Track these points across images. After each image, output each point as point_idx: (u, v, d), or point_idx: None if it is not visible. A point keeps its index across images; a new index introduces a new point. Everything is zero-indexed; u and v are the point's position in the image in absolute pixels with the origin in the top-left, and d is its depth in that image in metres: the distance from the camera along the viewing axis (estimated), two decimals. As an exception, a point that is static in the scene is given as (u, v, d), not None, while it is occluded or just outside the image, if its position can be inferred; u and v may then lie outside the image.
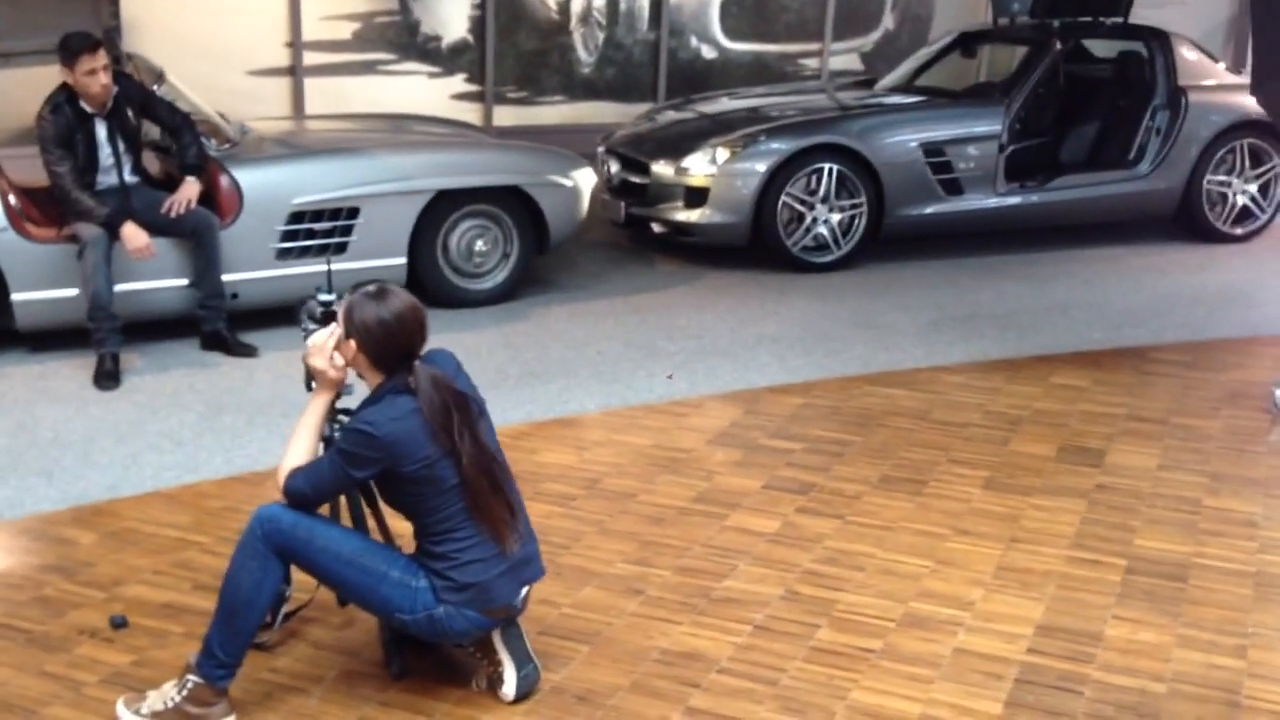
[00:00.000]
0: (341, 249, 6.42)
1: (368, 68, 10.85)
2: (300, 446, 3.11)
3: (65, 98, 5.79)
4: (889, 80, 9.20)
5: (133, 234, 5.71)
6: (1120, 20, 8.58)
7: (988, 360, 6.07)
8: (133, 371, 5.75)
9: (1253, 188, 8.46)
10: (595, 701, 3.27)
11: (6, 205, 5.76)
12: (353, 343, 3.07)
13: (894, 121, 7.84)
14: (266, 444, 4.99)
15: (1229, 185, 8.43)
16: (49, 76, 5.99)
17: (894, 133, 7.71)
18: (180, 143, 6.11)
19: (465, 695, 3.29)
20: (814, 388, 5.66)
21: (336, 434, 3.28)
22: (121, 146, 5.97)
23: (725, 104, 8.71)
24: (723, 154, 7.53)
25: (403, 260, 6.58)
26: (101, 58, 5.73)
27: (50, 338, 5.99)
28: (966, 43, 9.29)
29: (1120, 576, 3.94)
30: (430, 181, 6.56)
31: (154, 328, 6.12)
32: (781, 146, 7.46)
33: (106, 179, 5.95)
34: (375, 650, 3.49)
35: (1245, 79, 8.68)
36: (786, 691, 3.31)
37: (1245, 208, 8.48)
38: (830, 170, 7.51)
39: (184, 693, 3.09)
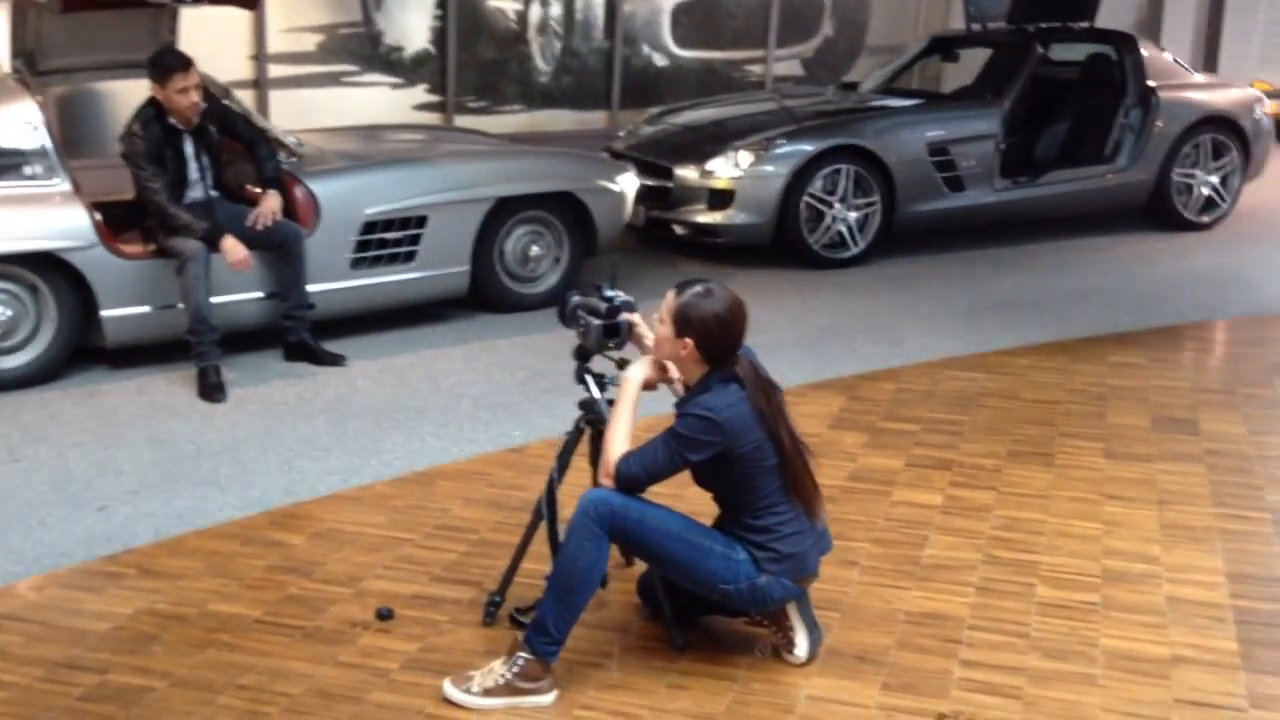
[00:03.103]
0: (410, 258, 6.54)
1: (331, 79, 10.86)
2: (622, 434, 3.31)
3: (154, 113, 5.82)
4: (870, 83, 9.63)
5: (233, 247, 5.77)
6: (1087, 24, 9.14)
7: (1040, 343, 6.48)
8: (230, 384, 5.78)
9: (1215, 179, 9.09)
10: (874, 660, 3.53)
11: (94, 222, 5.76)
12: (688, 341, 3.27)
13: (904, 123, 8.25)
14: (409, 446, 5.12)
15: (1193, 177, 9.04)
16: (110, 91, 6.00)
17: (905, 134, 8.12)
18: (257, 156, 6.17)
19: (754, 662, 3.52)
20: (899, 374, 5.99)
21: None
22: (205, 161, 6.01)
23: (708, 114, 8.97)
24: (746, 157, 7.83)
25: (466, 268, 6.72)
26: (194, 76, 5.78)
27: (123, 353, 5.99)
28: (941, 47, 9.77)
29: (1272, 528, 4.35)
30: (493, 189, 6.71)
31: (233, 340, 6.14)
32: (805, 148, 7.80)
33: (193, 194, 5.99)
34: (643, 627, 3.70)
35: (1204, 78, 9.37)
36: (1041, 643, 3.62)
37: (1209, 198, 9.10)
38: (848, 171, 7.87)
39: (515, 669, 3.26)
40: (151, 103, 5.84)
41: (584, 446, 3.73)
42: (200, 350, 5.73)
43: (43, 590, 3.92)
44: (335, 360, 6.13)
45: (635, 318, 3.58)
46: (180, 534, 4.32)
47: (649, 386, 3.42)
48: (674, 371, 3.42)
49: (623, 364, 3.58)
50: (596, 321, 3.51)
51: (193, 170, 5.97)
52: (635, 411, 3.37)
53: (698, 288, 3.30)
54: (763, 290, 7.51)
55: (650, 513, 3.27)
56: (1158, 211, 9.08)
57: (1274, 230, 9.22)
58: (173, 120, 5.84)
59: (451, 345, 6.47)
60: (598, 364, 3.71)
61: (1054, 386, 5.80)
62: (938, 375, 5.96)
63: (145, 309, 5.90)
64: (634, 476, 3.26)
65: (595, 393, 3.58)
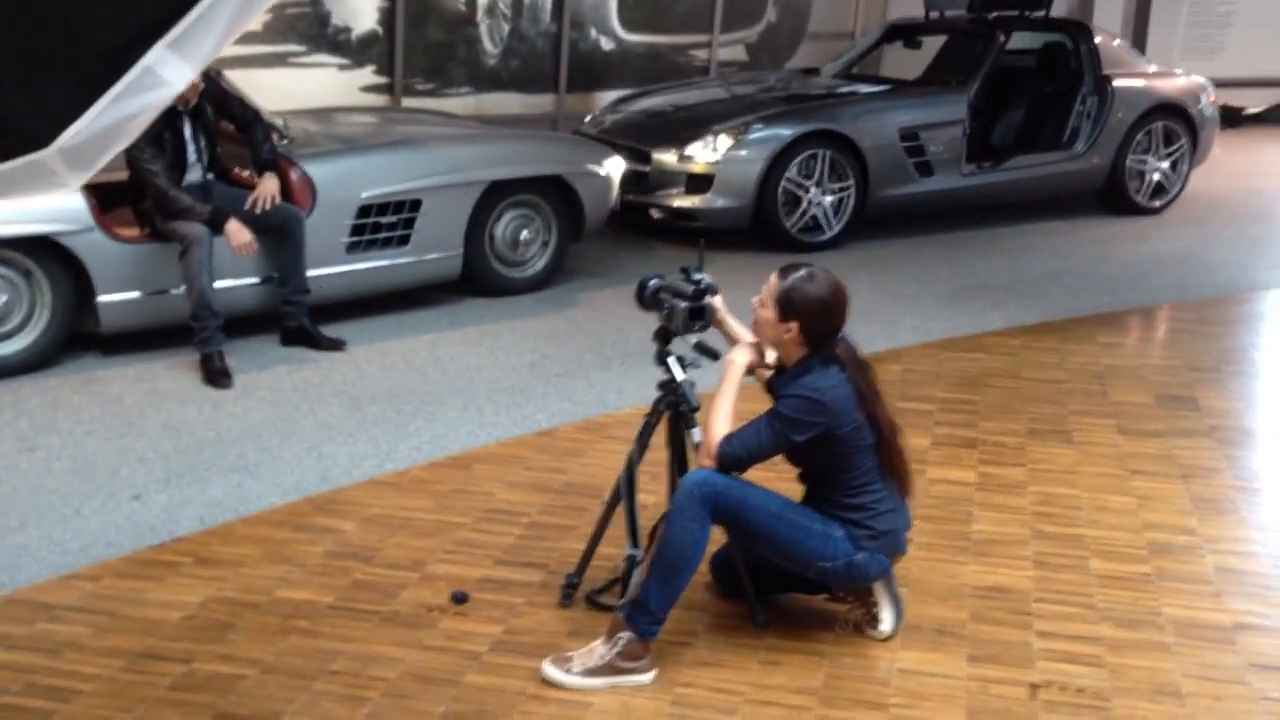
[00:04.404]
0: (404, 241, 6.49)
1: (278, 59, 10.69)
2: (724, 416, 3.33)
3: (153, 94, 5.68)
4: (832, 69, 9.74)
5: (237, 230, 5.67)
6: (1043, 13, 9.34)
7: (1027, 325, 6.63)
8: (233, 370, 5.68)
9: (1165, 165, 9.35)
10: (954, 632, 3.61)
11: (91, 204, 5.62)
12: (793, 325, 3.30)
13: (878, 109, 8.37)
14: (434, 430, 5.09)
15: (1145, 163, 9.29)
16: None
17: (878, 119, 8.23)
18: (252, 139, 6.07)
19: (837, 637, 3.58)
20: (901, 355, 6.10)
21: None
22: (202, 143, 5.90)
23: (664, 99, 9.02)
24: (725, 141, 7.88)
25: (459, 251, 6.68)
26: (195, 54, 5.65)
27: (115, 339, 5.86)
28: (899, 34, 9.90)
29: (1295, 499, 4.53)
30: (485, 172, 6.68)
31: (227, 326, 6.01)
32: (783, 133, 7.87)
33: (190, 176, 5.87)
34: (719, 606, 3.73)
35: (1155, 67, 9.62)
36: (1108, 613, 3.73)
37: (1159, 183, 9.37)
38: (824, 155, 7.96)
39: (617, 649, 3.28)
40: (150, 83, 5.69)
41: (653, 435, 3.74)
42: (204, 336, 5.63)
43: (100, 581, 3.84)
44: (335, 345, 6.06)
45: (717, 301, 3.61)
46: (226, 521, 4.26)
47: (749, 370, 3.45)
48: (770, 356, 3.46)
49: (700, 346, 3.60)
50: (682, 304, 3.53)
51: (191, 152, 5.85)
52: (737, 395, 3.39)
53: (801, 272, 3.34)
54: (745, 273, 7.45)
55: (751, 493, 3.31)
56: (1111, 196, 9.31)
57: (1217, 214, 9.50)
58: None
59: (448, 329, 6.43)
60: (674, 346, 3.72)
61: (1053, 366, 5.94)
62: (939, 356, 6.07)
63: (139, 294, 5.78)
64: (736, 457, 3.29)
65: (678, 374, 3.60)
